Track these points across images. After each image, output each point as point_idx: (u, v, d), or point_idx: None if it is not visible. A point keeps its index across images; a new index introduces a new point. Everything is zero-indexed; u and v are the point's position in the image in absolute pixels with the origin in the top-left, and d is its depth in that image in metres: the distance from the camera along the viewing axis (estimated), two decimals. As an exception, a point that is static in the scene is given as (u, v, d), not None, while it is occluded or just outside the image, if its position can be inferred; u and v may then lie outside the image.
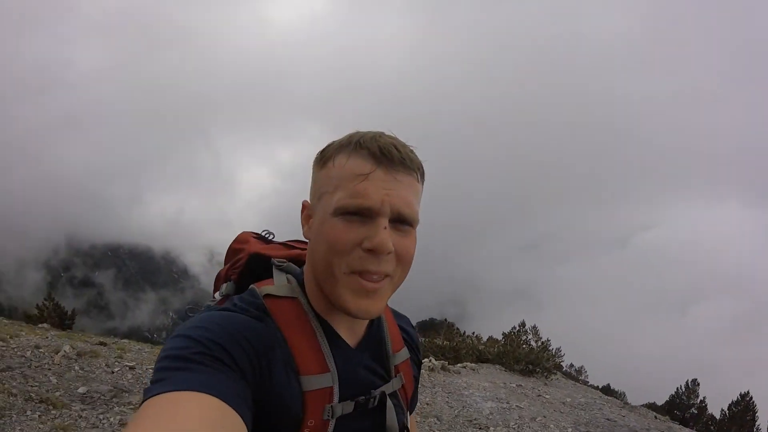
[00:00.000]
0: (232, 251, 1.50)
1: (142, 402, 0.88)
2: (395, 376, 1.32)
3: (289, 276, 1.27)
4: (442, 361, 13.20)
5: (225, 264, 1.51)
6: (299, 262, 1.36)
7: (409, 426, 1.36)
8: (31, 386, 6.56)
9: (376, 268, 1.09)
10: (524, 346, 16.63)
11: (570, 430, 8.82)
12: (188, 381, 0.89)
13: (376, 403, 1.23)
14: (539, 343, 17.45)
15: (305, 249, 1.34)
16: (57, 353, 7.89)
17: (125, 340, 11.10)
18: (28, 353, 7.69)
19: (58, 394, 6.50)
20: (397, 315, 1.49)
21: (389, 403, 1.26)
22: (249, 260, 1.40)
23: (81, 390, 6.82)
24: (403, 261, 1.14)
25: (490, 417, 8.84)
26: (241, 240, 1.52)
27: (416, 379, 1.48)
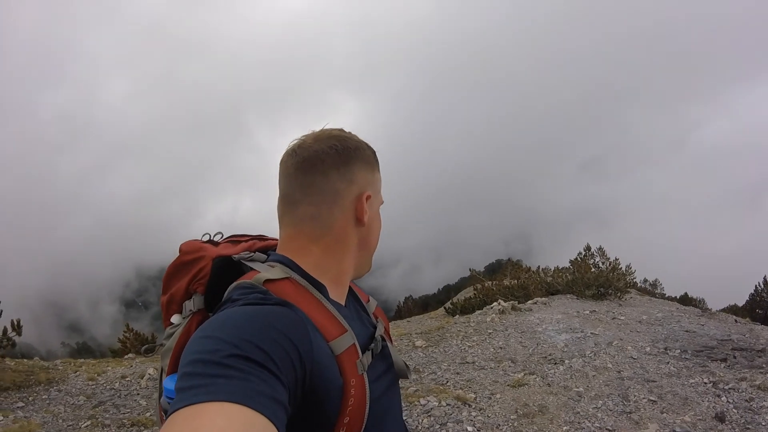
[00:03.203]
0: (184, 265, 1.39)
1: (168, 415, 0.84)
2: (377, 322, 1.46)
3: (270, 263, 1.28)
4: (511, 302, 13.15)
5: (172, 283, 1.40)
6: (260, 252, 1.42)
7: None
8: (123, 414, 6.92)
9: None
10: (593, 270, 16.35)
11: (648, 348, 8.67)
12: (214, 391, 0.84)
13: (380, 347, 1.34)
14: (608, 264, 17.09)
15: (251, 240, 1.50)
16: (142, 378, 8.26)
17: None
18: (117, 385, 8.10)
19: (148, 414, 6.82)
20: None
21: (388, 343, 1.41)
22: (216, 266, 1.34)
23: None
24: None
25: (565, 350, 8.78)
26: (191, 250, 1.40)
27: None
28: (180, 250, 1.41)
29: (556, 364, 8.11)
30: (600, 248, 18.23)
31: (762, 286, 23.28)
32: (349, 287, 1.43)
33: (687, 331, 9.73)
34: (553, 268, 19.04)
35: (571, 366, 7.93)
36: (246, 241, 1.48)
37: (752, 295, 23.56)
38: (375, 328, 1.41)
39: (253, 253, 1.34)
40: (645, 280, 23.07)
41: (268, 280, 1.17)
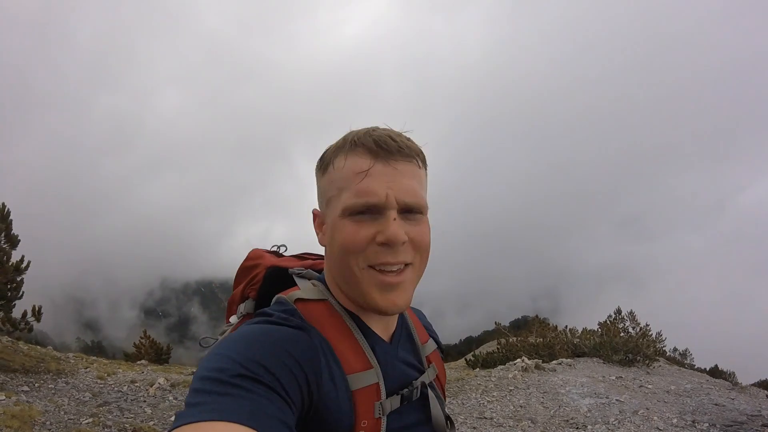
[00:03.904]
0: (245, 269, 1.48)
1: (172, 428, 0.85)
2: (428, 367, 1.33)
3: (314, 281, 1.28)
4: (535, 360, 12.92)
5: (236, 285, 1.49)
6: (316, 271, 1.38)
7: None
8: (126, 418, 6.92)
9: (393, 259, 1.11)
10: (622, 334, 15.99)
11: (675, 420, 8.36)
12: (219, 409, 0.86)
13: (418, 394, 1.23)
14: (638, 330, 16.71)
15: (317, 259, 1.47)
16: (152, 386, 8.27)
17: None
18: (125, 388, 8.15)
19: (152, 423, 6.82)
20: (415, 310, 1.50)
21: (431, 393, 1.27)
22: (267, 274, 1.39)
23: (173, 418, 7.08)
24: (421, 248, 1.16)
25: (588, 415, 8.52)
26: (253, 257, 1.49)
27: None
28: (246, 256, 1.50)
29: (578, 428, 7.87)
30: (631, 312, 17.84)
31: (796, 363, 22.43)
32: (409, 326, 1.36)
33: (716, 405, 9.38)
34: (580, 329, 18.65)
35: (593, 432, 7.68)
36: (313, 259, 1.50)
37: (785, 370, 22.68)
38: (422, 373, 1.30)
39: (305, 270, 1.35)
40: (675, 349, 22.46)
41: (299, 299, 1.18)
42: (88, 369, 8.90)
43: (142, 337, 13.96)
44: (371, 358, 1.15)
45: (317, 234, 1.24)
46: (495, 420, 8.28)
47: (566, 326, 19.45)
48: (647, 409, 8.91)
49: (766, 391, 13.21)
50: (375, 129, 1.17)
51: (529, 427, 7.98)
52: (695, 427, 8.11)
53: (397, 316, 1.30)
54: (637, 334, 16.16)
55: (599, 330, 17.26)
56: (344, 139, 1.18)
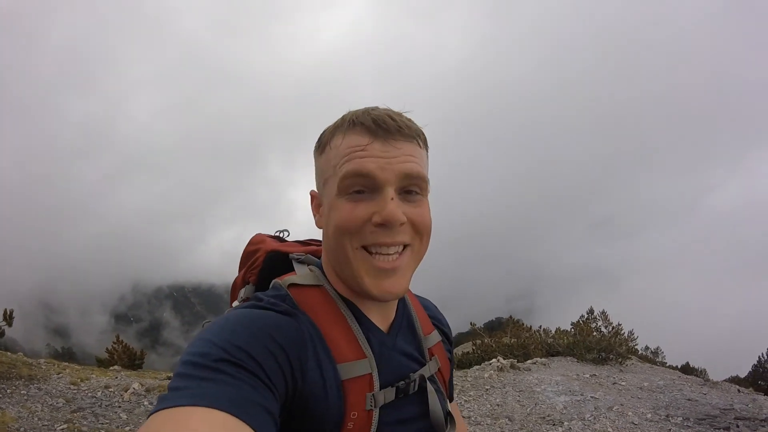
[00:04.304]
0: (248, 254, 1.46)
1: (151, 413, 0.84)
2: (430, 359, 1.28)
3: (311, 267, 1.25)
4: (510, 360, 12.99)
5: (239, 270, 1.47)
6: (317, 257, 1.33)
7: (452, 412, 1.31)
8: (102, 424, 6.84)
9: (390, 239, 1.07)
10: (595, 333, 16.16)
11: (649, 415, 8.48)
12: (200, 394, 0.84)
13: (416, 388, 1.18)
14: (610, 329, 16.89)
15: (319, 246, 1.41)
16: (126, 391, 8.16)
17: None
18: (99, 393, 8.02)
19: (128, 429, 6.74)
20: (421, 299, 1.47)
21: (430, 387, 1.22)
22: (266, 258, 1.37)
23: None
24: (421, 230, 1.12)
25: (564, 411, 8.59)
26: (255, 241, 1.47)
27: (451, 363, 1.45)
28: (249, 241, 1.48)
29: (554, 425, 7.92)
30: (603, 312, 18.03)
31: (766, 357, 22.79)
32: (411, 315, 1.31)
33: (689, 400, 9.53)
34: (554, 329, 18.81)
35: (570, 428, 7.75)
36: (317, 245, 1.47)
37: (755, 366, 23.04)
38: (422, 365, 1.25)
39: (305, 255, 1.31)
40: (647, 348, 22.73)
41: (292, 284, 1.14)
42: (60, 375, 8.73)
43: (114, 342, 13.69)
44: (365, 347, 1.11)
45: (314, 216, 1.22)
46: (473, 419, 8.31)
47: (540, 326, 19.63)
48: (621, 405, 9.02)
49: (737, 386, 13.46)
50: (374, 108, 1.14)
51: (506, 424, 8.01)
52: (669, 421, 8.22)
53: (396, 304, 1.26)
54: (609, 333, 16.33)
55: (572, 330, 17.42)
56: (342, 119, 1.15)
